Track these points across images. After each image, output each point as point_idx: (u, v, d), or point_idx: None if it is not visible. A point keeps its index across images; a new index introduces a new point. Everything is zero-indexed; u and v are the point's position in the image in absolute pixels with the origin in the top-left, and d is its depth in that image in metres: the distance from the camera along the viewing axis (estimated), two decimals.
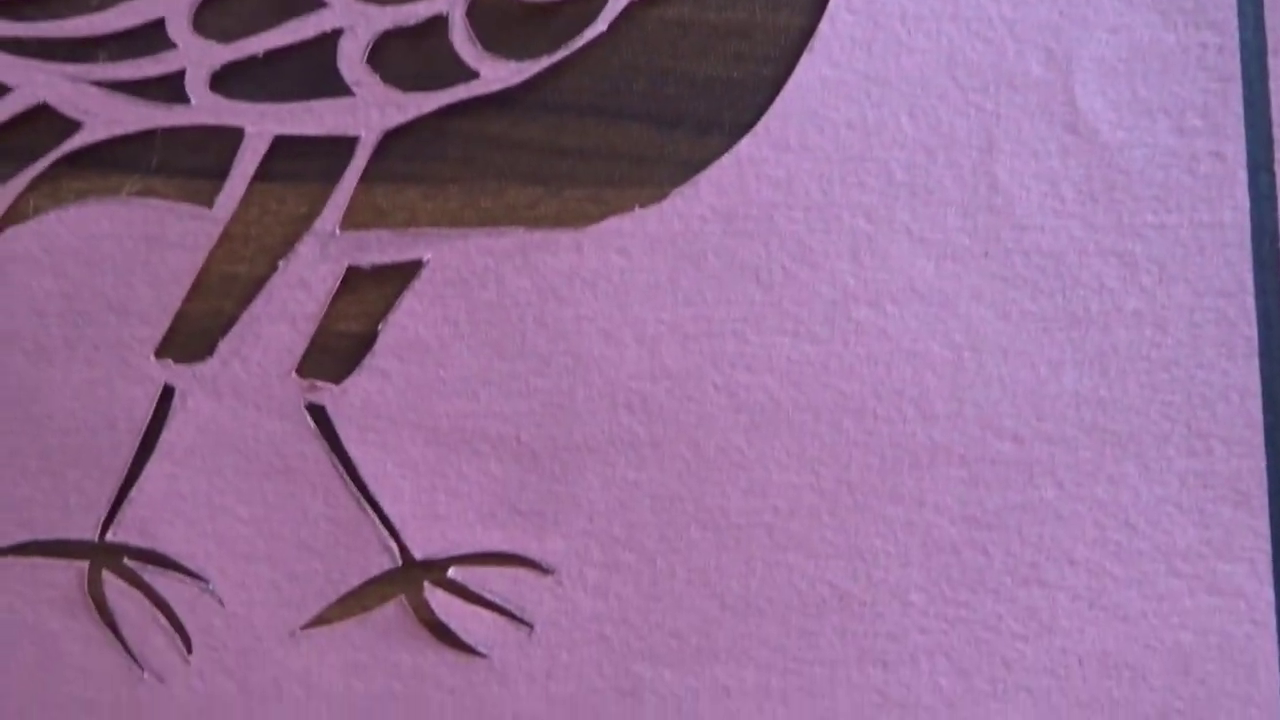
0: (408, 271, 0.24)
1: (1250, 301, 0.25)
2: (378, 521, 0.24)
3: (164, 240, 0.24)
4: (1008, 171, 0.25)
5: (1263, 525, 0.25)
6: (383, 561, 0.24)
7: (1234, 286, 0.25)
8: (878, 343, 0.24)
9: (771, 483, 0.24)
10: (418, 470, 0.24)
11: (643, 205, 0.25)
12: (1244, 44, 0.25)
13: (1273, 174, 0.25)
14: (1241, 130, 0.25)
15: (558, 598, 0.24)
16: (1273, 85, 0.25)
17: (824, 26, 0.25)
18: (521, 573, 0.24)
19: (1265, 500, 0.25)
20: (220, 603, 0.24)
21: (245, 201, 0.24)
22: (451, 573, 0.24)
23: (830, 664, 0.24)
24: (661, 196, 0.24)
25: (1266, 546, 0.25)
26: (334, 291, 0.24)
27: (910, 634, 0.24)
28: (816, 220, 0.25)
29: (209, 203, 0.24)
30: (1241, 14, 0.25)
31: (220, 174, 0.24)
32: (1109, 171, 0.25)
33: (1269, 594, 0.25)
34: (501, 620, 0.24)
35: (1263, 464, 0.25)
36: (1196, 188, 0.25)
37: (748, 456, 0.24)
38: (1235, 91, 0.25)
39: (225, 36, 0.24)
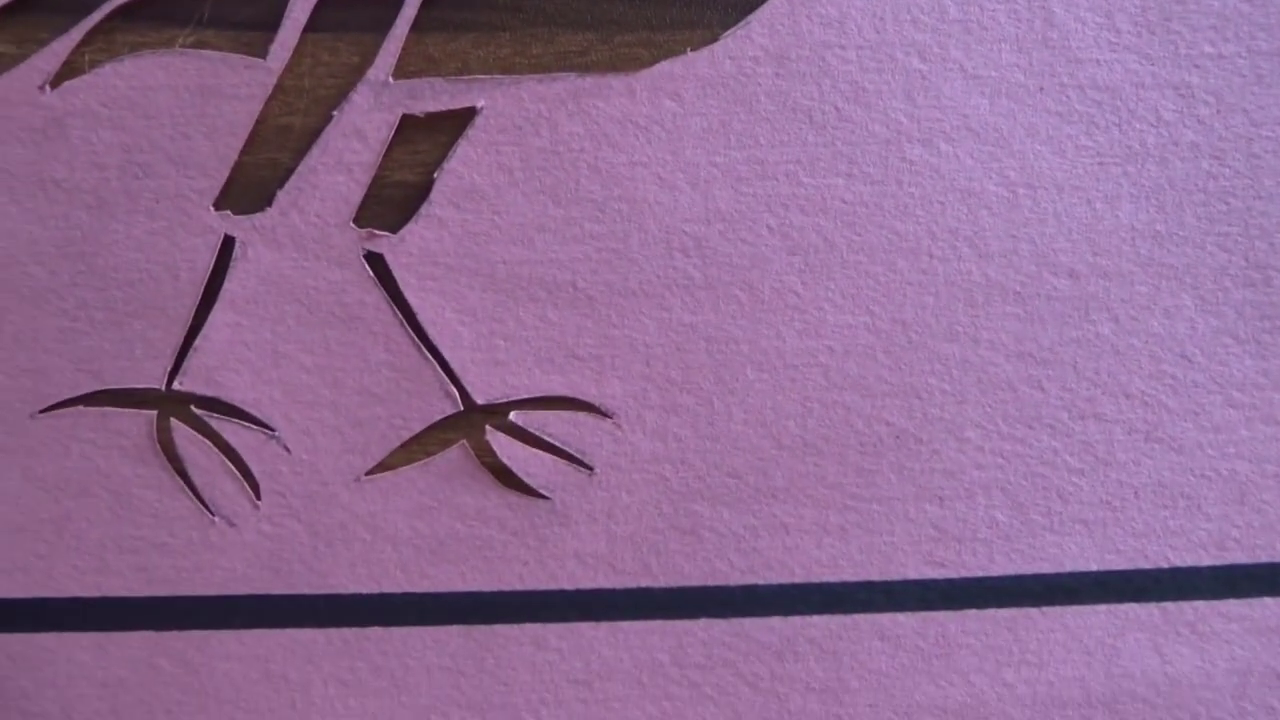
0: (461, 119, 0.24)
1: None
2: (438, 367, 0.24)
3: (219, 92, 0.24)
4: (1063, 5, 0.24)
5: None
6: (444, 407, 0.24)
7: None
8: (931, 181, 0.24)
9: (826, 323, 0.24)
10: (476, 317, 0.24)
11: (694, 48, 0.24)
12: None
13: None
14: None
15: (616, 440, 0.24)
16: None
17: None
18: (581, 416, 0.24)
19: None
20: (286, 449, 0.24)
21: (298, 52, 0.24)
22: (512, 416, 0.24)
23: (887, 501, 0.25)
24: (713, 39, 0.24)
25: None
26: (389, 141, 0.24)
27: (967, 470, 0.25)
28: (870, 59, 0.24)
29: (262, 54, 0.24)
30: None
31: (272, 25, 0.24)
32: (1164, 2, 0.25)
33: None
34: (562, 463, 0.24)
35: None
36: (1254, 14, 0.24)
37: (802, 297, 0.24)
38: None
39: None
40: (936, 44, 0.24)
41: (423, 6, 0.24)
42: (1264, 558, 0.25)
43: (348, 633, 0.24)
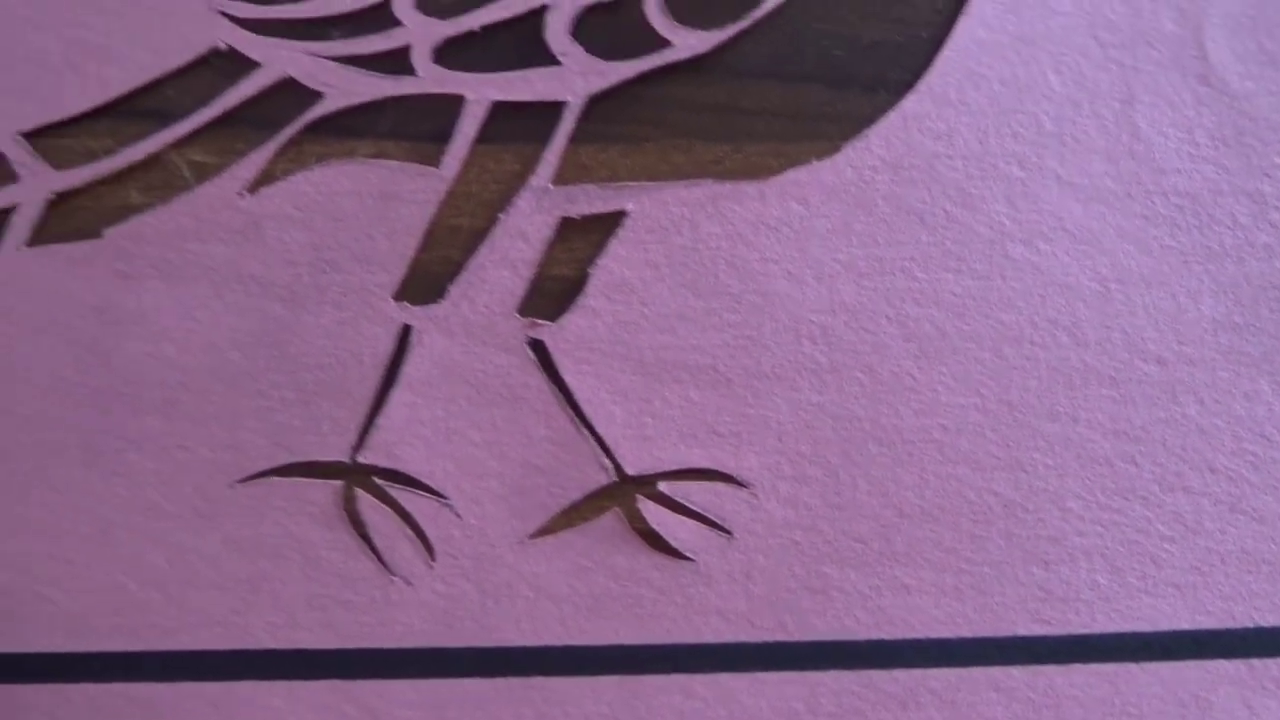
0: (613, 221, 0.27)
1: None
2: (593, 442, 0.27)
3: (398, 197, 0.27)
4: (1146, 120, 0.27)
5: None
6: (599, 478, 0.27)
7: None
8: (1032, 277, 0.27)
9: (940, 403, 0.27)
10: (627, 397, 0.27)
11: (818, 158, 0.27)
12: None
13: None
14: None
15: (753, 508, 0.27)
16: None
17: None
18: (721, 486, 0.27)
19: None
20: (458, 515, 0.27)
21: (467, 162, 0.27)
22: (660, 486, 0.27)
23: (997, 564, 0.27)
24: (835, 150, 0.27)
25: None
26: (549, 240, 0.27)
27: (1069, 537, 0.27)
28: (974, 168, 0.27)
29: (436, 163, 0.27)
30: None
31: (444, 137, 0.27)
32: (1239, 118, 0.28)
33: None
34: (705, 528, 0.27)
35: None
36: None
37: (918, 380, 0.27)
38: None
39: (445, 14, 0.27)
40: (1034, 154, 0.27)
41: (578, 121, 0.27)
42: None
43: (513, 682, 0.27)
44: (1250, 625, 0.27)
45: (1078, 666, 0.27)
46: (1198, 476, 0.27)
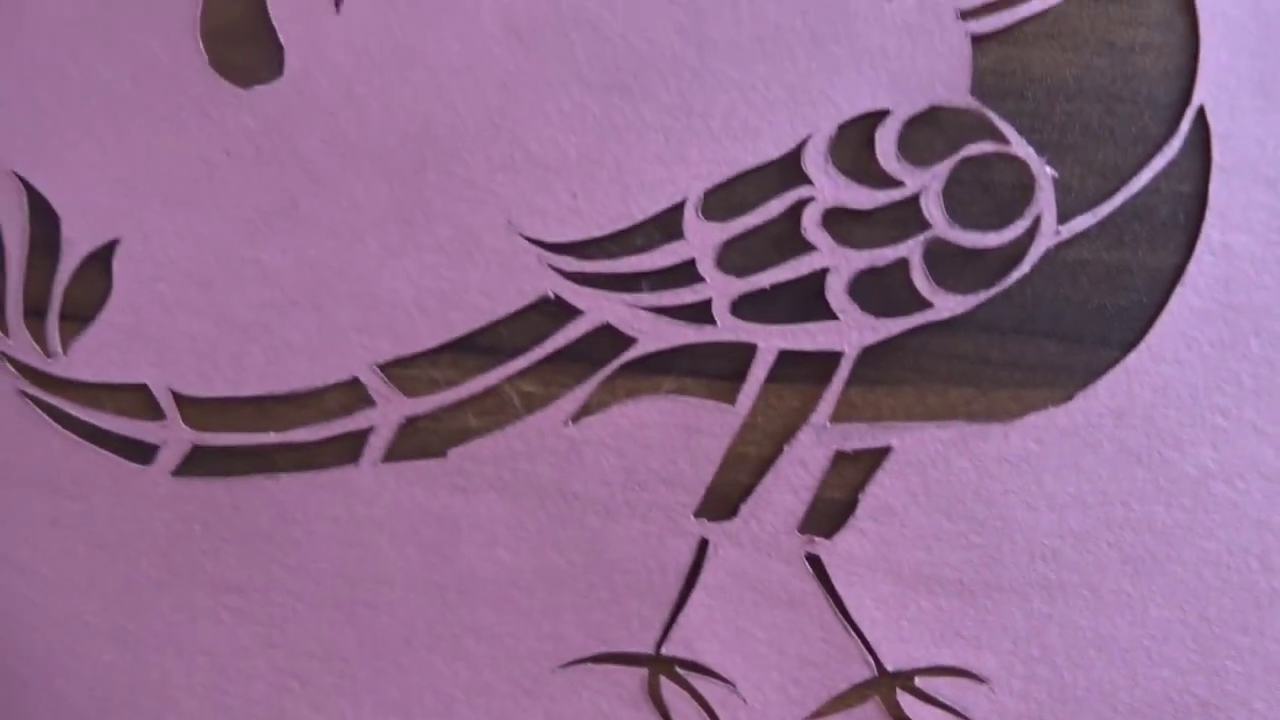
0: (880, 455, 0.32)
1: None
2: (859, 642, 0.32)
3: (698, 429, 0.32)
4: None
5: None
6: (863, 672, 0.32)
7: None
8: (1230, 512, 0.32)
9: (1149, 617, 0.32)
10: (888, 604, 0.32)
11: (1054, 404, 0.32)
12: None
13: None
14: None
15: (992, 701, 0.32)
16: None
17: (1191, 266, 0.32)
18: (964, 681, 0.32)
19: None
20: (744, 700, 0.32)
21: (757, 400, 0.32)
22: (916, 681, 0.32)
23: None
24: (1068, 398, 0.32)
25: None
26: (825, 469, 0.32)
27: None
28: (1185, 417, 0.32)
29: (730, 400, 0.32)
30: None
31: (738, 377, 0.32)
32: None
33: None
34: (952, 717, 0.32)
35: None
36: None
37: (1132, 596, 0.32)
38: None
39: (741, 272, 0.32)
40: (1235, 406, 0.32)
41: (851, 367, 0.32)
42: None
43: None
44: None
45: None
46: None
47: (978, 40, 0.32)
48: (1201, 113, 0.32)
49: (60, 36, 0.33)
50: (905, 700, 0.32)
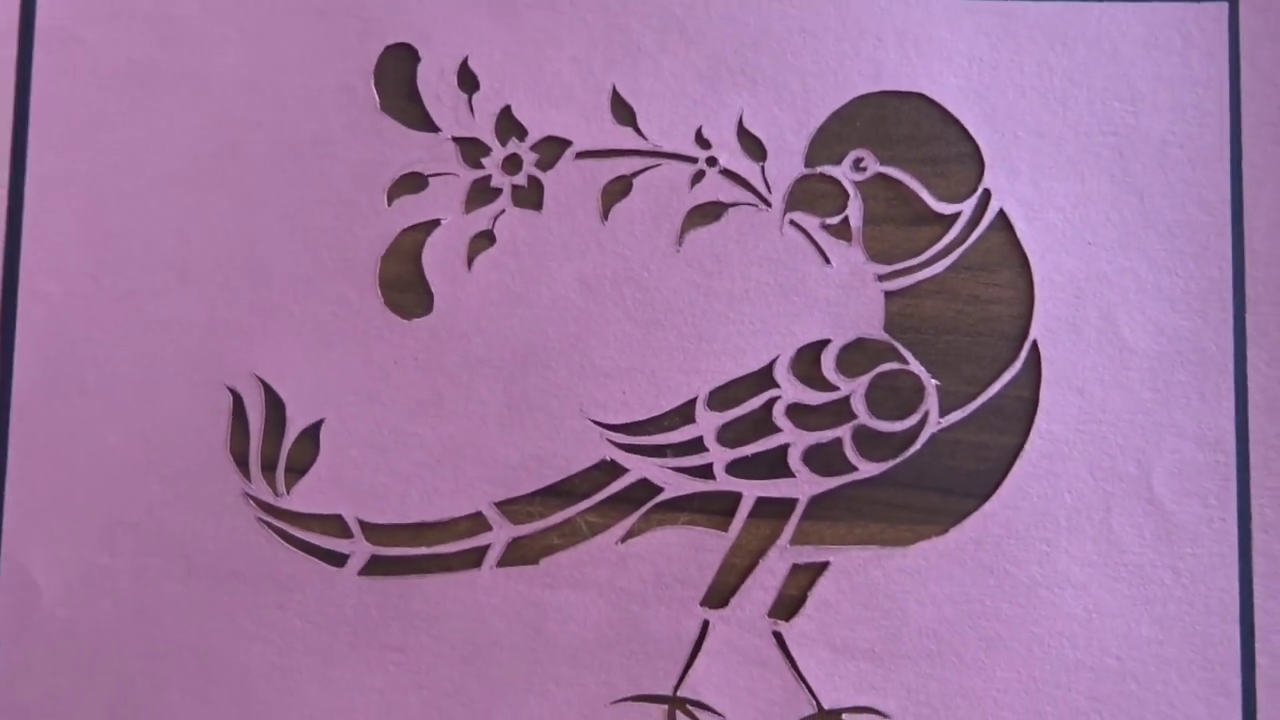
0: (822, 566, 0.49)
1: None
2: (806, 690, 0.49)
3: (703, 547, 0.49)
4: (1119, 521, 0.49)
5: None
6: (809, 710, 0.49)
7: None
8: (1050, 608, 0.49)
9: (996, 677, 0.49)
10: (826, 665, 0.49)
11: (937, 536, 0.49)
12: None
13: None
14: None
15: None
16: None
17: (1028, 446, 0.49)
18: (876, 718, 0.49)
19: None
20: None
21: (742, 529, 0.49)
22: (843, 717, 0.49)
23: None
24: (945, 531, 0.49)
25: None
26: (786, 576, 0.49)
27: None
28: (1021, 545, 0.49)
29: (725, 529, 0.49)
30: None
31: (730, 514, 0.49)
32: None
33: None
34: None
35: None
36: None
37: (985, 663, 0.49)
38: None
39: (732, 445, 0.49)
40: (1054, 537, 0.49)
41: (804, 508, 0.49)
42: None
43: None
44: None
45: None
46: None
47: (889, 294, 0.49)
48: (1035, 345, 0.49)
49: (289, 288, 0.50)
50: None
